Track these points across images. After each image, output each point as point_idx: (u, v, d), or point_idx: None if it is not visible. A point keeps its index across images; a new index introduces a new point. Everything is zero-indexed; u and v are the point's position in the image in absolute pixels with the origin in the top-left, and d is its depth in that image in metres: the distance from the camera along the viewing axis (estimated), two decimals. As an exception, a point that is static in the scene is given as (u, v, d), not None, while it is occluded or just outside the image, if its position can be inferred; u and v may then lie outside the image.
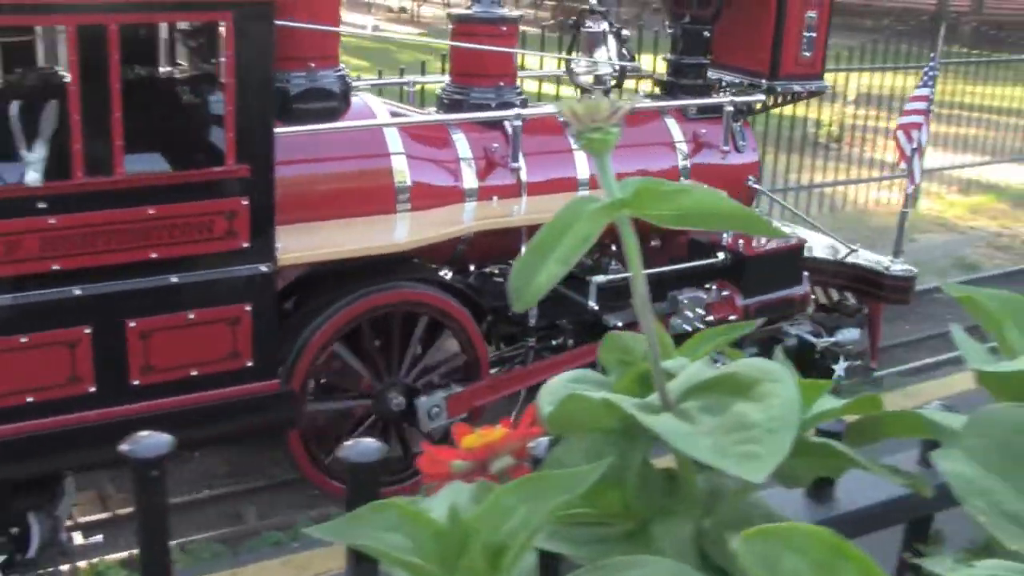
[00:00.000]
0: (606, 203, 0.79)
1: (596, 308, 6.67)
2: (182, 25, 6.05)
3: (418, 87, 7.25)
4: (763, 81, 7.64)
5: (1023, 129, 14.74)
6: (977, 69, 13.44)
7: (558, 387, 0.88)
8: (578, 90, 7.67)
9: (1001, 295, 0.84)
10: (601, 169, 0.80)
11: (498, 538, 0.73)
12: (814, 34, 7.59)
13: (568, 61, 7.69)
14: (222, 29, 4.97)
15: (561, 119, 0.82)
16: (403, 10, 29.33)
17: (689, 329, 6.67)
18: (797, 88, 7.79)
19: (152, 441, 0.82)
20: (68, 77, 4.67)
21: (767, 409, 0.76)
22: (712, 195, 0.81)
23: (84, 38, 4.57)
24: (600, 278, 6.69)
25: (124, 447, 0.81)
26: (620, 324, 6.46)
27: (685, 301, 6.84)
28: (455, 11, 7.13)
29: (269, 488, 6.59)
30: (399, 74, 8.16)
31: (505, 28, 6.81)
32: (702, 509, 0.83)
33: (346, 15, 25.81)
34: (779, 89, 7.72)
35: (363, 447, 0.86)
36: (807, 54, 7.62)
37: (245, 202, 5.13)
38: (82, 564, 5.37)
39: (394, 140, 6.18)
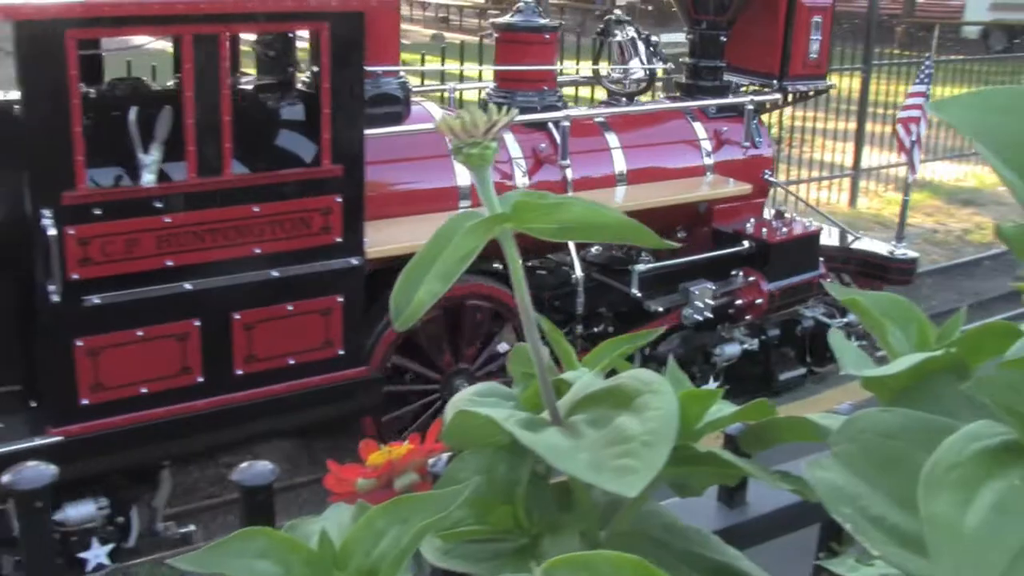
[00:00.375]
0: (486, 218, 0.74)
1: (639, 295, 6.76)
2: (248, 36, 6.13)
3: (457, 93, 7.31)
4: (774, 82, 7.81)
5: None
6: (910, 70, 13.20)
7: (462, 401, 0.83)
8: (607, 95, 7.81)
9: (883, 297, 0.78)
10: (481, 183, 0.75)
11: (369, 561, 0.68)
12: (819, 37, 7.81)
13: (596, 69, 7.84)
14: (319, 38, 5.01)
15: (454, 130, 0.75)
16: None
17: (700, 319, 6.83)
18: (804, 87, 7.99)
19: (35, 472, 0.78)
20: (183, 84, 4.71)
21: (645, 422, 0.71)
22: (594, 208, 0.75)
23: (199, 47, 4.63)
24: (641, 266, 6.80)
25: (6, 479, 0.77)
26: (661, 309, 6.69)
27: (696, 292, 6.89)
28: (498, 20, 7.21)
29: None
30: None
31: (547, 36, 6.90)
32: (599, 521, 0.78)
33: None
34: (789, 88, 7.88)
35: (257, 470, 0.81)
36: (814, 56, 7.85)
37: (339, 199, 5.16)
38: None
39: (455, 142, 6.25)
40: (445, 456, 0.83)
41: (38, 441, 4.59)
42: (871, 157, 13.05)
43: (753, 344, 7.30)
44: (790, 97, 8.13)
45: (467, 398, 0.84)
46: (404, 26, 27.45)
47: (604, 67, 7.91)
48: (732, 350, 7.21)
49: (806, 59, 7.78)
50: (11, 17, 4.24)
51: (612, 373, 0.82)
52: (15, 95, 4.64)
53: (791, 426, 0.75)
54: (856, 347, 0.77)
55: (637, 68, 7.51)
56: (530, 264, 7.04)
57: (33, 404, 4.78)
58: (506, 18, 7.06)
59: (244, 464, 0.82)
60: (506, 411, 0.76)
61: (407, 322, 0.74)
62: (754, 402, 0.76)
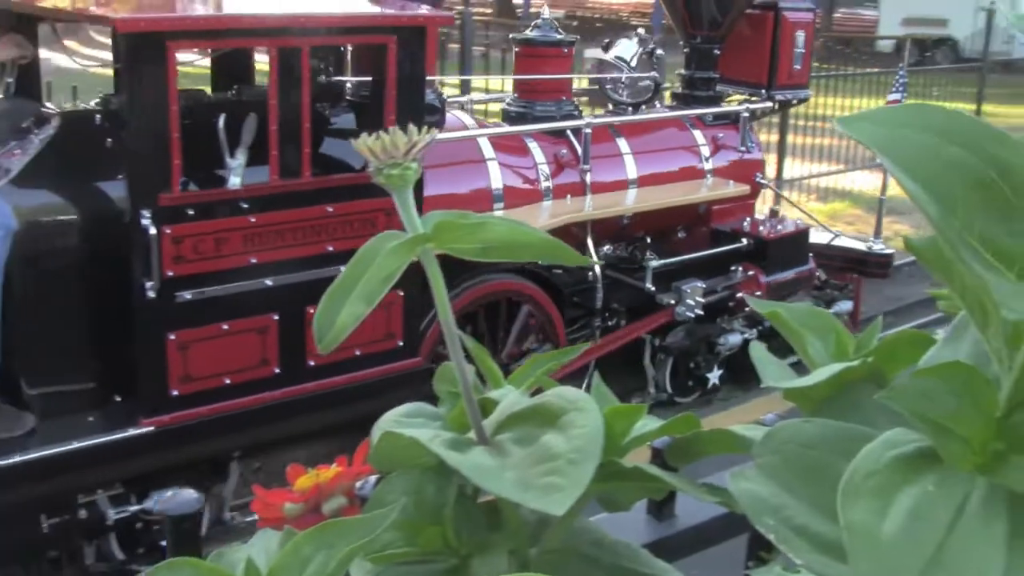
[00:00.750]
0: (408, 239, 0.74)
1: (652, 289, 7.34)
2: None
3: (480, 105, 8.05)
4: (763, 91, 8.43)
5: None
6: (827, 82, 13.50)
7: (388, 422, 0.83)
8: (611, 105, 8.24)
9: (801, 309, 0.80)
10: (402, 205, 0.76)
11: (295, 588, 0.68)
12: (802, 50, 8.51)
13: (602, 81, 8.21)
14: (387, 50, 5.30)
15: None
16: None
17: (691, 315, 7.38)
18: (789, 96, 8.66)
19: (183, 499, 0.76)
20: (268, 93, 4.98)
21: (571, 439, 0.71)
22: (514, 228, 0.76)
23: (283, 59, 4.94)
24: (655, 263, 7.40)
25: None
26: (673, 302, 7.35)
27: (687, 291, 7.39)
28: (518, 35, 7.79)
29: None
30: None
31: (565, 50, 7.46)
32: (529, 539, 0.78)
33: None
34: (776, 97, 8.49)
35: (182, 499, 0.80)
36: (797, 67, 8.53)
37: (400, 200, 5.48)
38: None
39: (487, 148, 6.72)
40: (373, 479, 0.82)
41: (132, 432, 4.73)
42: (793, 168, 13.20)
43: (752, 334, 7.65)
44: (776, 106, 8.75)
45: (393, 419, 0.84)
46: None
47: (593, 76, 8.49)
48: (734, 340, 7.69)
49: (791, 70, 8.44)
50: (117, 29, 4.58)
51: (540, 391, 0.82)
52: (93, 104, 5.20)
53: (715, 439, 0.76)
54: (776, 359, 0.78)
55: (645, 77, 8.05)
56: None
57: (117, 399, 4.92)
58: (526, 33, 7.62)
59: (169, 493, 0.81)
60: (431, 432, 0.76)
61: (330, 345, 0.74)
62: (679, 416, 0.77)
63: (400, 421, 0.83)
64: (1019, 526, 0.54)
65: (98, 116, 4.91)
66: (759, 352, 0.79)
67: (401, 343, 5.63)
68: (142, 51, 4.51)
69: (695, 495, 0.75)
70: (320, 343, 0.74)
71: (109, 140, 4.80)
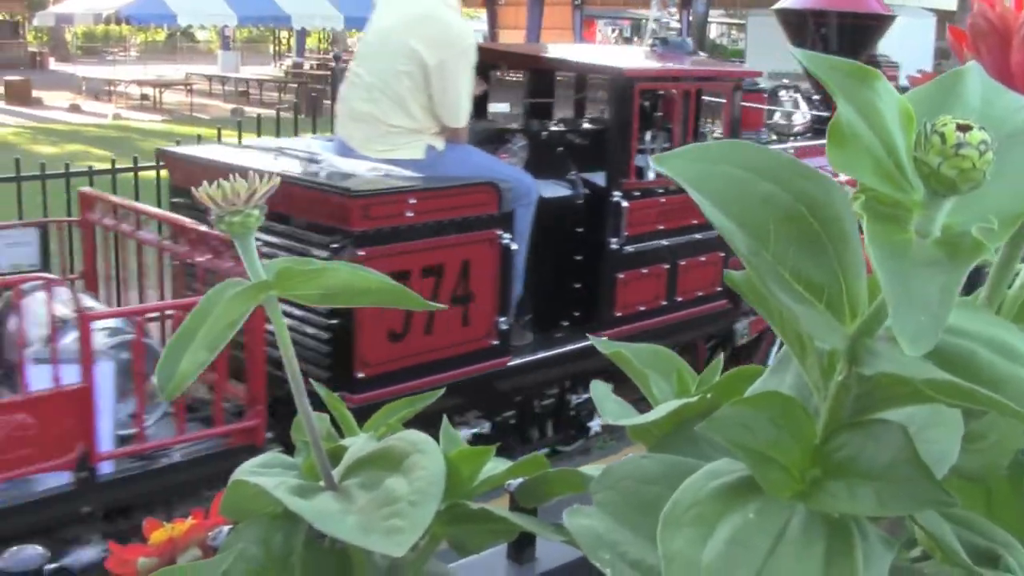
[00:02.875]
0: (249, 286, 0.75)
1: None
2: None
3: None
4: None
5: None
6: None
7: (244, 471, 0.83)
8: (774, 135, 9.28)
9: (645, 349, 0.81)
10: (245, 251, 0.76)
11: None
12: None
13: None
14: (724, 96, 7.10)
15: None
16: (144, 97, 27.97)
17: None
18: None
19: None
20: (673, 122, 6.92)
21: (413, 482, 0.72)
22: (357, 273, 0.77)
23: (684, 99, 6.78)
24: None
25: None
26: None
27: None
28: None
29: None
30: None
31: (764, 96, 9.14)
32: (379, 584, 0.79)
33: (87, 104, 25.27)
34: None
35: (26, 555, 0.79)
36: None
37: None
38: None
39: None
40: (226, 528, 0.82)
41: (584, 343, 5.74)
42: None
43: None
44: None
45: (249, 469, 0.84)
46: (204, 101, 27.32)
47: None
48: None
49: None
50: (610, 77, 6.52)
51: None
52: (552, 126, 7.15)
53: (562, 478, 0.77)
54: (616, 398, 0.80)
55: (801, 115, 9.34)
56: None
57: (564, 323, 6.52)
58: None
59: (14, 548, 0.80)
60: (277, 479, 0.77)
61: (172, 394, 0.74)
62: (526, 457, 0.78)
63: (255, 471, 0.83)
64: (835, 550, 0.56)
65: (544, 133, 6.83)
66: (600, 390, 0.80)
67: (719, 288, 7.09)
68: (622, 90, 6.29)
69: (542, 534, 0.76)
70: (162, 392, 0.74)
71: (560, 148, 6.67)
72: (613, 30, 36.28)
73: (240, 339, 4.51)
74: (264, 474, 0.83)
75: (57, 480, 4.18)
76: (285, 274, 0.75)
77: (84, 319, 4.07)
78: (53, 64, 39.06)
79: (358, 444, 0.80)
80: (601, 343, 0.81)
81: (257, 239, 0.77)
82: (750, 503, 0.58)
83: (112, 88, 28.08)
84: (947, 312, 0.51)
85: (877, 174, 0.53)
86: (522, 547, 0.92)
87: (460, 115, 5.75)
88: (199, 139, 8.17)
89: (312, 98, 18.15)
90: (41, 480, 4.13)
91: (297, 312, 5.14)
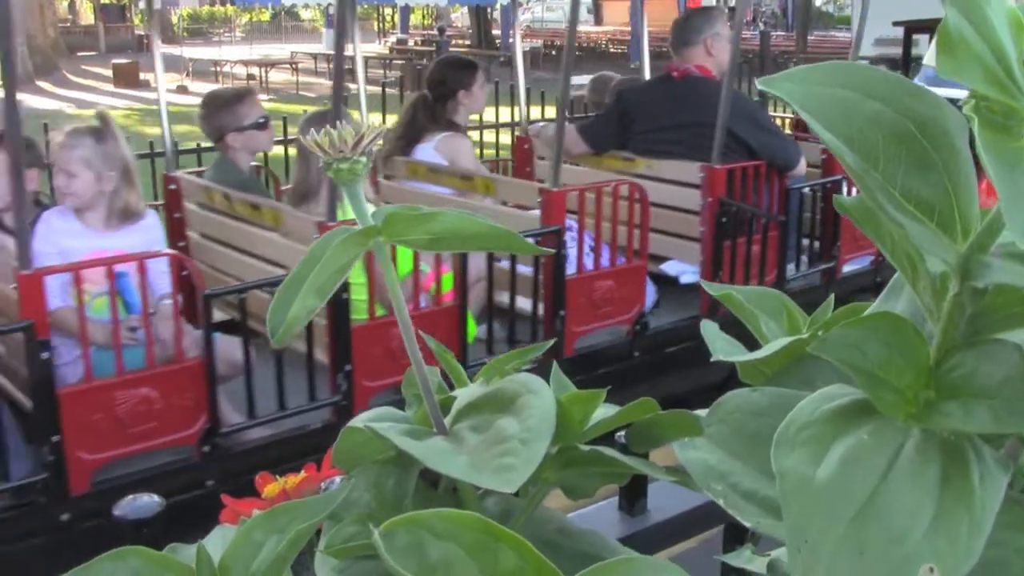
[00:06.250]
0: (358, 231, 0.77)
1: None
2: None
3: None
4: None
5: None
6: None
7: (355, 423, 0.85)
8: None
9: (753, 291, 0.82)
10: (353, 198, 0.78)
11: (249, 574, 0.70)
12: None
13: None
14: None
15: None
16: (251, 77, 27.50)
17: None
18: None
19: None
20: None
21: (523, 420, 0.74)
22: (465, 218, 0.78)
23: None
24: None
25: None
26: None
27: None
28: None
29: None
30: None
31: None
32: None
33: (194, 85, 25.44)
34: None
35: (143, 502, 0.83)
36: None
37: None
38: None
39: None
40: (338, 478, 0.85)
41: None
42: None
43: None
44: None
45: (360, 421, 0.87)
46: (310, 79, 27.62)
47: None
48: None
49: None
50: None
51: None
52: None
53: (674, 422, 0.78)
54: (726, 336, 0.81)
55: None
56: None
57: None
58: None
59: (129, 497, 0.84)
60: (389, 424, 0.79)
61: (283, 339, 0.76)
62: (637, 401, 0.79)
63: (367, 424, 0.86)
64: (950, 471, 0.57)
65: None
66: (710, 330, 0.81)
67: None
68: None
69: (655, 475, 0.77)
70: (273, 336, 0.76)
71: None
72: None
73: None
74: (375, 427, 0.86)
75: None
76: (392, 219, 0.77)
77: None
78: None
79: (468, 390, 0.82)
80: (710, 285, 0.82)
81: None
82: (864, 425, 0.59)
83: (218, 69, 28.57)
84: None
85: (987, 81, 0.54)
86: (634, 499, 0.93)
87: None
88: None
89: (417, 72, 18.29)
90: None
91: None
